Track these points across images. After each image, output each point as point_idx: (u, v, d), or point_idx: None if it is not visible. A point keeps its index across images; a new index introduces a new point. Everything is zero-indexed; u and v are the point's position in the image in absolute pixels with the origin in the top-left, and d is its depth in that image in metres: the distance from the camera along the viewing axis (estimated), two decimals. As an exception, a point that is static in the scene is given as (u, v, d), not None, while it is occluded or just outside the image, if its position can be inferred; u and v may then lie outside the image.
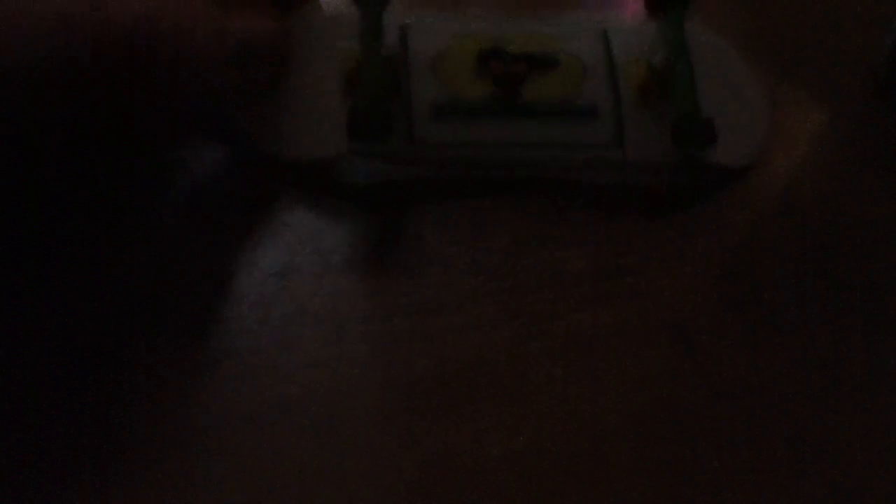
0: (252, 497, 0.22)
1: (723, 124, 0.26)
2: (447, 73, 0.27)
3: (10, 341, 0.23)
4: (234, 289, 0.25)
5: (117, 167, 0.26)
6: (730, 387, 0.25)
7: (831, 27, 0.33)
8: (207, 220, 0.26)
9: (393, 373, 0.24)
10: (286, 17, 0.27)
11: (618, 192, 0.28)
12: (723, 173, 0.29)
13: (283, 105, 0.27)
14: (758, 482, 0.23)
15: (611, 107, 0.28)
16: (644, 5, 0.28)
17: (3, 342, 0.23)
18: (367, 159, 0.26)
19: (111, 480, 0.22)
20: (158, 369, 0.23)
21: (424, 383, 0.24)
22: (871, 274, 0.27)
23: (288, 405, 0.23)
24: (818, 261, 0.27)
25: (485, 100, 0.27)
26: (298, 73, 0.27)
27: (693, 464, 0.23)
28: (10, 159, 0.24)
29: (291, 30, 0.27)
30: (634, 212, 0.28)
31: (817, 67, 0.32)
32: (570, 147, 0.27)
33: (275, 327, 0.24)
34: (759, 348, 0.25)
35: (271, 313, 0.24)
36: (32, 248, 0.24)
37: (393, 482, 0.22)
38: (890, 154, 0.30)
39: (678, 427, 0.24)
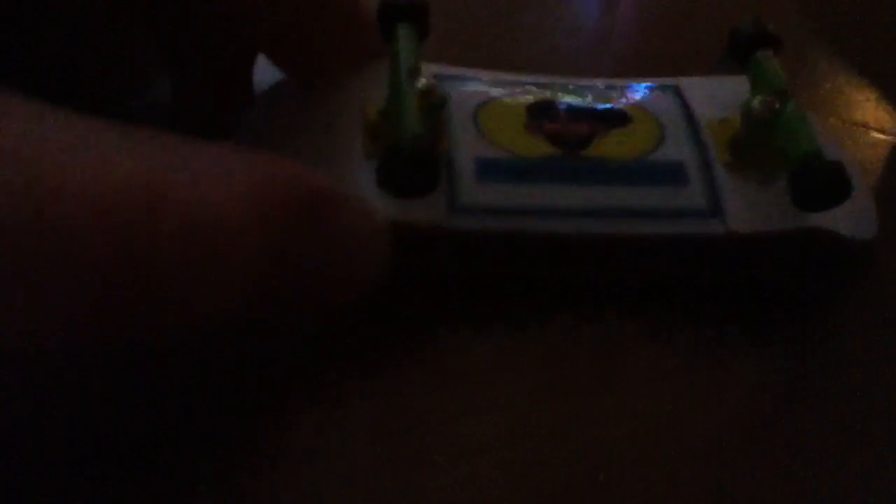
0: None
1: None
2: (493, 128, 0.22)
3: None
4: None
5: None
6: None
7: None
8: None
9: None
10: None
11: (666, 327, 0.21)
12: (849, 253, 0.22)
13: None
14: None
15: (699, 169, 0.22)
16: (728, 50, 0.23)
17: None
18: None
19: None
20: None
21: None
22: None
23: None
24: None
25: (542, 158, 0.21)
26: (315, 138, 0.21)
27: None
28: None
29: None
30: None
31: None
32: (655, 215, 0.21)
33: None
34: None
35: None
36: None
37: None
38: None
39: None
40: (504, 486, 0.18)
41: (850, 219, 0.22)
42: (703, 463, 0.18)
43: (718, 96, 0.23)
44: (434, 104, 0.20)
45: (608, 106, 0.23)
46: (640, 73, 0.25)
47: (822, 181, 0.20)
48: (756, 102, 0.21)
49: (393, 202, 0.19)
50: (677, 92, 0.24)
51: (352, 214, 0.15)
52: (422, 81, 0.19)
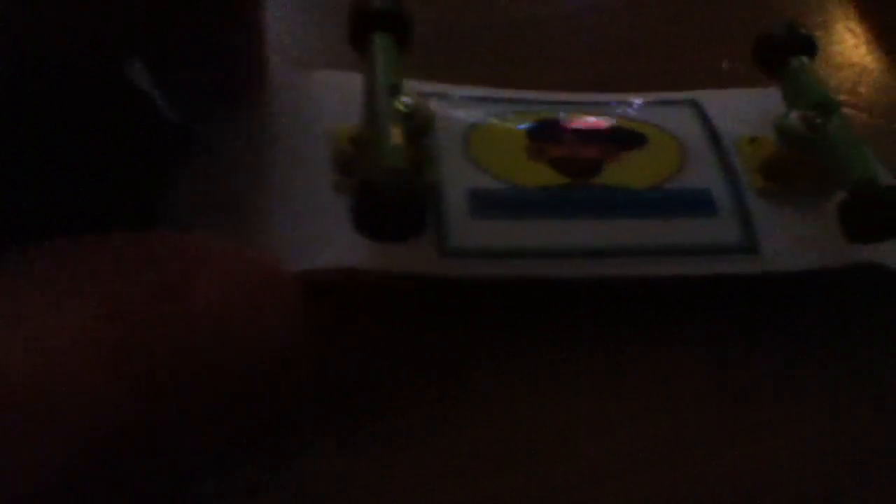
0: None
1: None
2: (488, 154, 0.19)
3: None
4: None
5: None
6: None
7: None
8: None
9: None
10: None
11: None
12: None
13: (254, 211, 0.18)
14: None
15: (729, 196, 0.19)
16: (753, 58, 0.20)
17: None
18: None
19: None
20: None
21: None
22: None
23: None
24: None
25: (546, 188, 0.18)
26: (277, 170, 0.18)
27: None
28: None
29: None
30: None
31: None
32: (680, 253, 0.18)
33: None
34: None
35: None
36: None
37: None
38: None
39: None
40: None
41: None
42: None
43: (744, 111, 0.20)
44: (419, 128, 0.17)
45: (620, 125, 0.20)
46: (647, 88, 0.22)
47: (881, 212, 0.17)
48: (793, 118, 0.18)
49: (371, 247, 0.16)
50: (696, 106, 0.21)
51: (217, 276, 0.12)
52: (404, 101, 0.16)
